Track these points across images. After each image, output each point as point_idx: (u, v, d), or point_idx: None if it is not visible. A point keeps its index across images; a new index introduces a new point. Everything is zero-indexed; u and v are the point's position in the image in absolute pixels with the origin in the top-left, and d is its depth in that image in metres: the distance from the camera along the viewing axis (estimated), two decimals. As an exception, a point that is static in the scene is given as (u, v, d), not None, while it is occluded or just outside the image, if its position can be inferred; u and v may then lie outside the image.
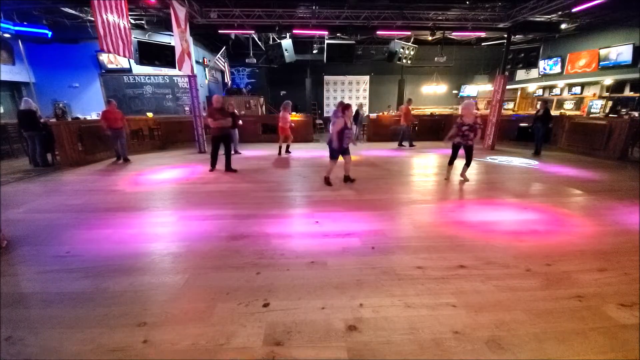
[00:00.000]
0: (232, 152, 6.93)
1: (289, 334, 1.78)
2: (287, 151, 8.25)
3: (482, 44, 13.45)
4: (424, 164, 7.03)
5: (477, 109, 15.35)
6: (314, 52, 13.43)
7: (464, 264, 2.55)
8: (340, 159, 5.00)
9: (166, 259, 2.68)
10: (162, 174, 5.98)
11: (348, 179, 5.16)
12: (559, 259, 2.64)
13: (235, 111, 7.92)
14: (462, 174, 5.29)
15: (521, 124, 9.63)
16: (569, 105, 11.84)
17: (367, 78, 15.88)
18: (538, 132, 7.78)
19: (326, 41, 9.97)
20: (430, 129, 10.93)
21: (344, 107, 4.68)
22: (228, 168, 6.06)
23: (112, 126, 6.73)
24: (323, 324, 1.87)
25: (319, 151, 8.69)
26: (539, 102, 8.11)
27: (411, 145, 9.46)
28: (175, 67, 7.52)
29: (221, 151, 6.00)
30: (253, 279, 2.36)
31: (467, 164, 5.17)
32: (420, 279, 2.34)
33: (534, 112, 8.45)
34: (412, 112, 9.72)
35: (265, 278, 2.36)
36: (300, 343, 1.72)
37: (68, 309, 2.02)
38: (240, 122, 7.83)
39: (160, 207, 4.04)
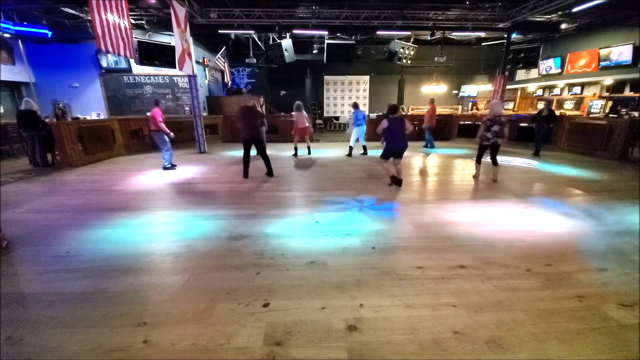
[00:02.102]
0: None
1: (289, 334, 1.78)
2: (309, 152, 7.97)
3: (482, 44, 13.46)
4: (425, 164, 7.03)
5: (477, 109, 15.42)
6: (314, 52, 13.43)
7: (464, 264, 2.55)
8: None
9: (166, 259, 2.68)
10: (162, 173, 5.98)
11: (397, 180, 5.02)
12: (559, 259, 2.64)
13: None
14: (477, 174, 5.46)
15: (521, 124, 9.63)
16: (569, 105, 11.85)
17: (367, 78, 15.88)
18: (539, 132, 7.73)
19: (326, 41, 9.97)
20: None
21: (395, 109, 4.79)
22: (270, 173, 5.67)
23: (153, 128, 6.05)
24: (323, 324, 1.87)
25: (319, 150, 8.69)
26: (543, 102, 7.99)
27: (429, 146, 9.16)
28: (175, 67, 7.52)
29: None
30: (253, 279, 2.36)
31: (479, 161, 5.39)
32: (420, 279, 2.34)
33: (536, 111, 8.31)
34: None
35: (265, 278, 2.36)
36: (300, 343, 1.72)
37: (68, 309, 2.02)
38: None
39: (160, 207, 4.04)
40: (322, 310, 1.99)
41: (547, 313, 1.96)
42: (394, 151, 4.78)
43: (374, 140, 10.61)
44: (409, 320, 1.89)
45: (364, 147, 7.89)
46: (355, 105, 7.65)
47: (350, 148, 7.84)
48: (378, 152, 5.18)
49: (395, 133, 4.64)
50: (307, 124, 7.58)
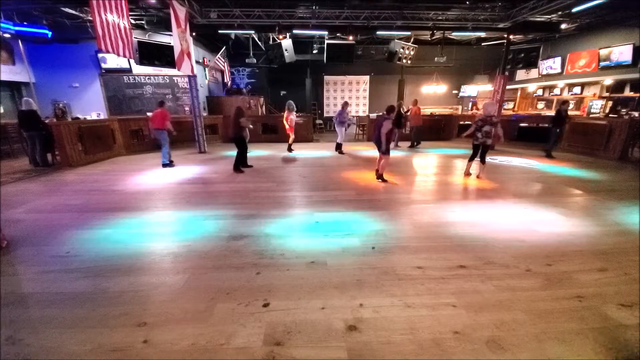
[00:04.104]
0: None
1: (289, 334, 1.78)
2: (290, 149, 8.46)
3: (482, 44, 13.45)
4: (424, 164, 7.03)
5: (477, 109, 15.44)
6: (314, 52, 13.42)
7: (464, 264, 2.55)
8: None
9: (166, 259, 2.68)
10: (162, 173, 5.98)
11: (381, 177, 5.38)
12: (559, 259, 2.64)
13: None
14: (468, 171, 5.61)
15: (521, 124, 9.63)
16: (569, 105, 11.84)
17: (367, 78, 15.89)
18: (557, 134, 7.45)
19: (326, 41, 9.96)
20: (430, 129, 10.93)
21: (389, 110, 4.97)
22: (238, 167, 6.11)
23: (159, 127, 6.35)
24: (323, 324, 1.87)
25: (319, 151, 8.70)
26: (562, 103, 7.53)
27: (417, 144, 9.58)
28: (175, 67, 7.51)
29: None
30: (253, 279, 2.36)
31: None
32: (420, 279, 2.34)
33: (554, 112, 7.68)
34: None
35: (265, 278, 2.36)
36: (300, 343, 1.72)
37: (68, 309, 2.02)
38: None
39: (160, 207, 4.04)
40: (322, 310, 1.99)
41: (547, 313, 1.96)
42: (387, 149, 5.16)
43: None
44: (409, 320, 1.89)
45: (337, 145, 8.46)
46: (342, 105, 8.17)
47: (337, 144, 8.45)
48: (377, 153, 5.31)
49: (374, 129, 5.11)
50: (293, 124, 8.00)
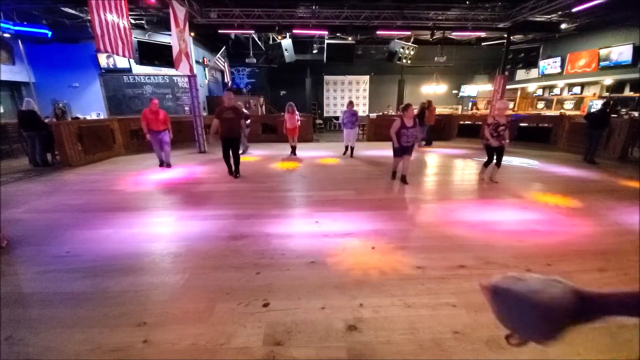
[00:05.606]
0: (242, 152, 7.29)
1: (289, 334, 1.78)
2: (294, 153, 8.11)
3: (482, 44, 13.44)
4: (425, 164, 7.02)
5: (477, 109, 15.39)
6: (314, 52, 13.43)
7: (464, 264, 2.55)
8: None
9: (166, 259, 2.68)
10: (162, 174, 5.98)
11: (404, 179, 5.15)
12: (559, 259, 2.64)
13: (245, 111, 7.83)
14: (493, 177, 5.19)
15: (521, 124, 9.63)
16: (569, 105, 11.84)
17: (367, 78, 15.88)
18: (598, 137, 6.76)
19: (326, 41, 9.97)
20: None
21: (403, 108, 4.89)
22: (237, 172, 5.59)
23: (152, 128, 6.11)
24: (323, 324, 1.87)
25: (319, 151, 8.69)
26: (607, 102, 6.72)
27: (428, 144, 9.64)
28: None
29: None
30: (253, 279, 2.35)
31: (499, 165, 5.11)
32: (420, 279, 2.34)
33: (598, 111, 6.93)
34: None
35: (265, 278, 2.36)
36: (300, 343, 1.72)
37: (68, 309, 2.02)
38: (248, 121, 7.80)
39: (160, 207, 4.04)
40: (322, 310, 1.99)
41: (547, 313, 1.96)
42: (400, 149, 5.04)
43: (373, 140, 10.64)
44: (409, 320, 1.89)
45: (347, 148, 7.95)
46: (347, 104, 7.76)
47: (345, 147, 8.00)
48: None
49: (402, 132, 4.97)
50: (296, 125, 7.74)
